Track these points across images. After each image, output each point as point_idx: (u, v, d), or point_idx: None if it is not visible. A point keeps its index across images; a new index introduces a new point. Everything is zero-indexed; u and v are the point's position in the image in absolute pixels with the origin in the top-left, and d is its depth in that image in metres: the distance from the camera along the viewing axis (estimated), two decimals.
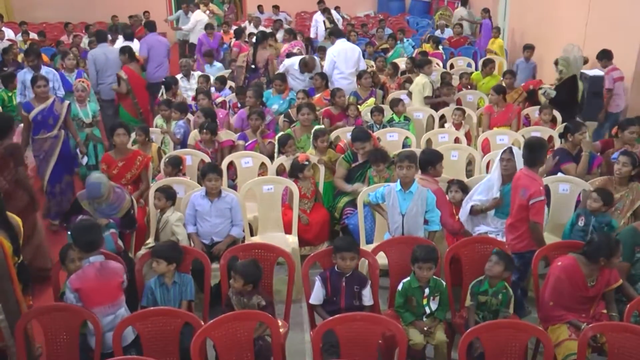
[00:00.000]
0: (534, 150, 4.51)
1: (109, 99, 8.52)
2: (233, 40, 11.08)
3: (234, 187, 5.92)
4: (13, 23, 14.95)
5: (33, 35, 13.18)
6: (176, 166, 5.58)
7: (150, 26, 10.00)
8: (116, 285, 3.73)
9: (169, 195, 4.92)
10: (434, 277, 3.98)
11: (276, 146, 6.23)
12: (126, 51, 8.41)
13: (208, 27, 11.08)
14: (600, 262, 3.80)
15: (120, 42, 10.08)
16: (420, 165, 4.89)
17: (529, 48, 9.75)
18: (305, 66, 8.37)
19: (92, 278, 3.68)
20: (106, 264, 3.77)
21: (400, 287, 4.00)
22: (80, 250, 3.78)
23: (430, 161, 4.94)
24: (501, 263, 3.94)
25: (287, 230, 5.40)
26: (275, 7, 15.72)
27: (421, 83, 7.83)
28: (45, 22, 16.51)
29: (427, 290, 3.96)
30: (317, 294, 3.98)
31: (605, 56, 7.95)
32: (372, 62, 9.75)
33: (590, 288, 3.89)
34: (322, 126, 6.66)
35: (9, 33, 12.77)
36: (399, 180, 4.67)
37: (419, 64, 8.24)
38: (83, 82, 7.13)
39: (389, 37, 11.39)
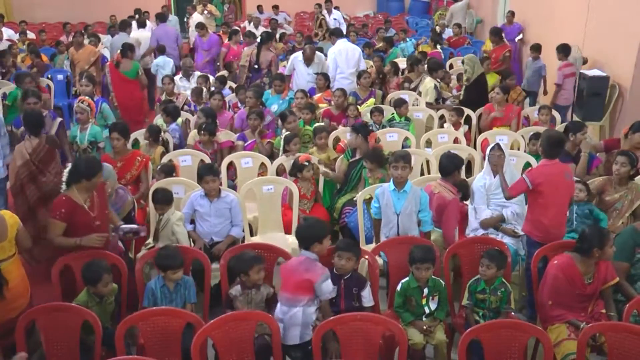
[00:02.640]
0: (554, 144, 4.51)
1: None
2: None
3: (233, 187, 5.92)
4: (12, 23, 14.94)
5: (31, 35, 13.16)
6: (169, 174, 5.51)
7: (162, 17, 11.10)
8: (302, 281, 3.68)
9: (166, 201, 4.85)
10: (433, 277, 3.99)
11: (281, 144, 6.21)
12: (127, 48, 8.67)
13: (198, 26, 10.98)
14: (594, 254, 3.82)
15: (134, 29, 11.02)
16: (447, 170, 4.87)
17: (534, 48, 9.45)
18: (302, 53, 8.42)
19: (291, 265, 3.83)
20: (312, 264, 3.74)
21: (399, 287, 4.01)
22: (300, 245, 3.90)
23: (456, 165, 4.91)
24: (492, 265, 3.94)
25: (287, 230, 5.41)
26: (275, 7, 15.72)
27: (427, 87, 7.78)
28: (44, 22, 16.49)
29: (425, 290, 3.97)
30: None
31: (562, 51, 8.39)
32: (371, 62, 9.74)
33: (587, 285, 3.91)
34: (322, 124, 6.67)
35: (9, 33, 12.78)
36: (392, 180, 4.67)
37: (432, 67, 8.18)
38: (84, 101, 6.30)
39: (383, 40, 11.35)
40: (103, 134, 6.43)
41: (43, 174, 5.16)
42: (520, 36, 11.42)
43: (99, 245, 4.13)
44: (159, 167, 5.66)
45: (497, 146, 4.93)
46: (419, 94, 8.12)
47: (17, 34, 13.04)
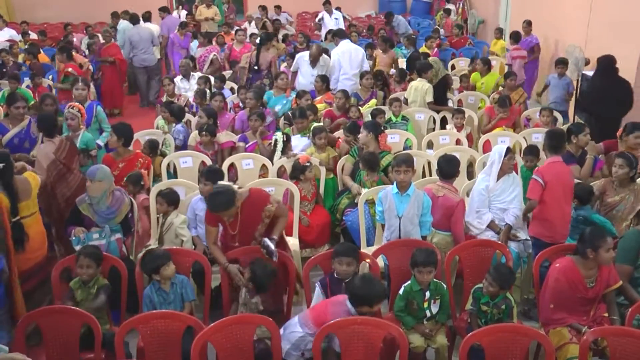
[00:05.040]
0: (556, 137, 4.83)
1: (141, 66, 11.03)
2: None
3: None
4: (14, 23, 14.94)
5: (33, 36, 13.17)
6: (137, 184, 5.30)
7: (167, 10, 12.83)
8: (323, 319, 3.53)
9: (170, 201, 4.88)
10: (435, 280, 3.97)
11: (281, 142, 6.20)
12: (64, 51, 8.64)
13: (182, 25, 11.35)
14: (589, 255, 3.80)
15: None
16: (443, 173, 4.83)
17: (561, 63, 8.28)
18: (309, 53, 8.46)
19: (334, 299, 3.75)
20: (343, 314, 3.56)
21: (401, 291, 3.98)
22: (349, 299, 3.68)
23: (456, 168, 4.85)
24: (494, 285, 3.86)
25: (288, 232, 5.36)
26: (277, 7, 15.71)
27: (424, 89, 7.67)
28: (46, 22, 16.51)
29: (427, 294, 3.95)
30: (318, 301, 3.95)
31: (512, 36, 10.18)
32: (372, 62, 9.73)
33: (589, 289, 3.89)
34: (321, 124, 6.64)
35: (11, 33, 12.80)
36: (395, 183, 4.64)
37: (421, 69, 8.12)
38: (74, 107, 6.09)
39: (383, 40, 11.33)
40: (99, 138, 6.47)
41: (70, 171, 5.21)
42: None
43: (234, 280, 4.12)
44: (126, 178, 5.37)
45: (510, 151, 4.90)
46: (404, 100, 7.97)
47: (20, 35, 13.07)
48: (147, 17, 12.15)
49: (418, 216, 4.54)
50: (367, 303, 3.55)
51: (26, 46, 11.64)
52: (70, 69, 8.30)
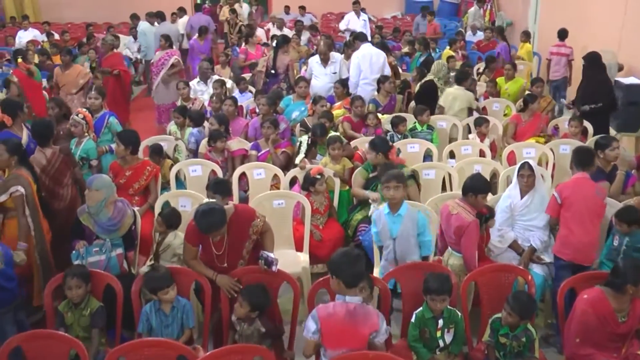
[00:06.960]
0: (582, 153, 4.64)
1: None
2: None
3: (245, 199, 5.72)
4: (38, 23, 15.02)
5: (57, 36, 13.21)
6: None
7: (197, 6, 14.42)
8: (363, 335, 3.23)
9: (170, 224, 4.63)
10: (449, 307, 3.68)
11: (304, 147, 6.05)
12: (16, 56, 8.40)
13: (202, 30, 11.08)
14: (627, 290, 3.48)
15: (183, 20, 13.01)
16: (464, 189, 4.46)
17: None
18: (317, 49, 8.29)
19: (340, 318, 3.26)
20: (362, 309, 3.27)
21: (413, 318, 3.70)
22: (345, 284, 3.29)
23: (475, 188, 4.33)
24: (514, 314, 3.56)
25: (299, 247, 5.13)
26: (302, 8, 15.48)
27: (467, 96, 7.42)
28: (70, 22, 16.60)
29: (440, 322, 3.66)
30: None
31: (559, 34, 9.69)
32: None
33: (621, 324, 3.56)
34: (337, 133, 6.38)
35: (34, 34, 12.83)
36: (386, 203, 4.34)
37: (459, 77, 7.75)
38: (79, 113, 5.87)
39: (408, 43, 11.03)
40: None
41: (60, 185, 5.05)
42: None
43: (228, 293, 3.89)
44: None
45: (527, 165, 4.57)
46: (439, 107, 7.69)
47: (44, 34, 13.10)
48: (183, 11, 13.27)
49: (414, 236, 4.25)
50: (363, 278, 3.45)
51: (49, 46, 11.64)
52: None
